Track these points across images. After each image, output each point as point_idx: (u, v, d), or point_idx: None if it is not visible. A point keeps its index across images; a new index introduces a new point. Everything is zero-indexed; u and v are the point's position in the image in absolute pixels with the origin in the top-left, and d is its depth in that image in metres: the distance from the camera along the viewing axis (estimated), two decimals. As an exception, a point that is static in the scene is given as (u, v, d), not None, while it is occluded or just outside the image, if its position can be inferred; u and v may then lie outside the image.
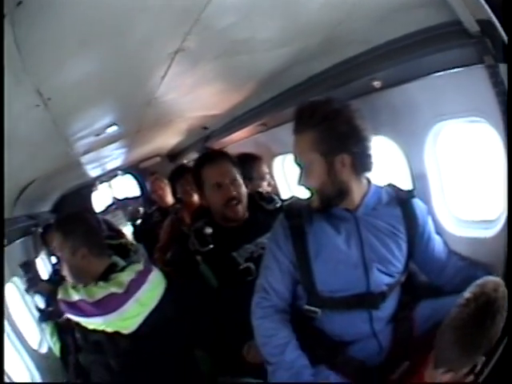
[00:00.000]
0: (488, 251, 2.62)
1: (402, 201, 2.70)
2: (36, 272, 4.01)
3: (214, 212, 3.46)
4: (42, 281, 4.07)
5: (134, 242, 5.16)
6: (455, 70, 2.38)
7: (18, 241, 4.98)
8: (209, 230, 3.39)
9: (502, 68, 2.07)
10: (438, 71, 2.51)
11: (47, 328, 3.86)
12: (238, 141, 5.96)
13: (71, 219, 3.34)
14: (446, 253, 2.79)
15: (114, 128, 4.43)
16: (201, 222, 3.49)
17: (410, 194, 2.77)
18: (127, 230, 7.86)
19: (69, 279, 3.21)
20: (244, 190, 3.45)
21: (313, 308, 2.62)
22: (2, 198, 2.60)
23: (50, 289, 3.84)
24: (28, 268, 4.02)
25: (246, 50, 2.89)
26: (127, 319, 3.01)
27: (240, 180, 3.45)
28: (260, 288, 2.71)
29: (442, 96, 2.65)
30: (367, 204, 2.61)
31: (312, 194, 2.63)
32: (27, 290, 4.01)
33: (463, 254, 2.78)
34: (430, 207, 2.95)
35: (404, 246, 2.65)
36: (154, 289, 3.18)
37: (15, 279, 4.41)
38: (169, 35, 2.37)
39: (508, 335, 1.99)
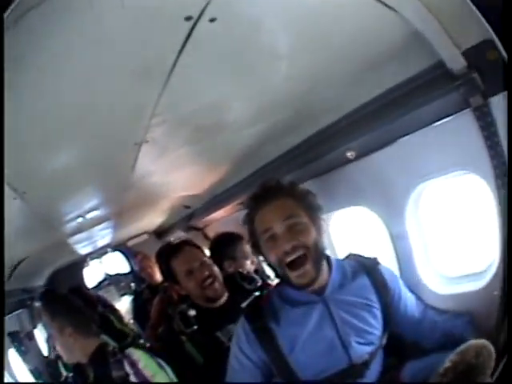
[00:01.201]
0: (478, 302, 2.59)
1: (368, 269, 2.72)
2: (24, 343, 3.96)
3: (195, 297, 3.52)
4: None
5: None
6: (437, 122, 2.39)
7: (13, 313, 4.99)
8: (192, 313, 3.45)
9: (495, 100, 2.01)
10: (418, 129, 2.52)
11: None
12: (220, 219, 6.06)
13: (57, 300, 3.45)
14: (421, 309, 2.80)
15: (96, 212, 4.47)
16: (184, 304, 3.55)
17: (374, 261, 2.79)
18: (120, 306, 7.82)
19: (62, 355, 3.30)
20: (216, 268, 3.55)
21: None
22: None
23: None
24: (16, 338, 3.99)
25: (213, 133, 2.94)
26: None
27: (209, 260, 3.57)
28: None
29: (424, 155, 2.64)
30: (333, 282, 2.62)
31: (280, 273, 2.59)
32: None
33: (453, 310, 2.76)
34: (413, 270, 2.97)
35: (378, 312, 2.65)
36: None
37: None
38: (128, 129, 2.43)
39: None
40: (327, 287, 2.59)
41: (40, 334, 6.39)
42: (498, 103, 2.00)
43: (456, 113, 2.24)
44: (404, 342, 2.83)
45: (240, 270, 4.20)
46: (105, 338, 3.88)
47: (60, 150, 2.46)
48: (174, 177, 4.10)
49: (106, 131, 2.36)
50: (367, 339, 2.57)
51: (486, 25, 1.75)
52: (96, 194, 3.93)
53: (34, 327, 6.25)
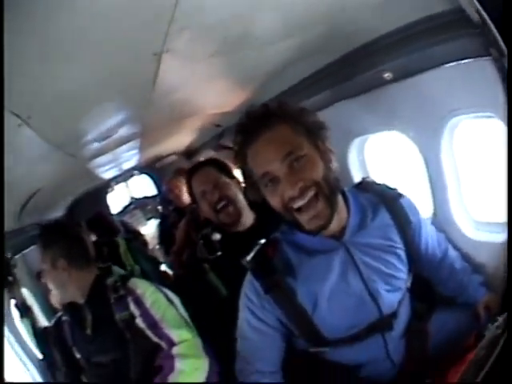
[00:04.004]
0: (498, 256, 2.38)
1: (389, 203, 2.43)
2: (9, 273, 3.78)
3: (213, 221, 3.35)
4: (18, 287, 3.88)
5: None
6: (465, 61, 2.23)
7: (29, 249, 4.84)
8: (217, 236, 3.27)
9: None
10: (448, 62, 2.35)
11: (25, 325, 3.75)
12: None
13: (51, 229, 3.18)
14: (442, 249, 2.62)
15: (117, 133, 4.25)
16: (209, 227, 3.36)
17: (396, 193, 2.50)
18: (146, 230, 7.72)
19: (55, 294, 3.09)
20: (234, 190, 3.33)
21: (320, 349, 2.36)
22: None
23: (22, 298, 3.78)
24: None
25: (241, 46, 2.68)
26: None
27: (227, 181, 3.35)
28: (240, 358, 2.46)
29: (455, 89, 2.49)
30: (353, 223, 2.33)
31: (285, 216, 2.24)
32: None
33: (478, 258, 2.64)
34: (446, 207, 2.86)
35: (402, 253, 2.39)
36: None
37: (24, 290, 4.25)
38: (146, 37, 2.15)
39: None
40: (346, 229, 2.28)
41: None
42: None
43: (481, 56, 2.06)
44: (427, 283, 2.66)
45: None
46: (115, 268, 3.70)
47: (68, 64, 2.14)
48: (202, 93, 3.86)
49: (121, 39, 2.09)
50: (395, 285, 2.33)
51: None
52: (114, 113, 3.67)
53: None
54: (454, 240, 2.79)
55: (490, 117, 2.37)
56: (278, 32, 2.56)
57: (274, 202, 2.19)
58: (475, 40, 1.98)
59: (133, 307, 2.86)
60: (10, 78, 1.84)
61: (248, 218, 3.33)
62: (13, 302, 3.80)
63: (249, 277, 2.40)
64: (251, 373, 2.38)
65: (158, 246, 6.82)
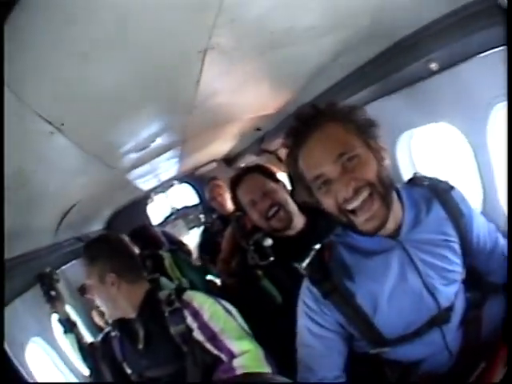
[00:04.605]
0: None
1: (441, 196, 2.37)
2: (52, 287, 3.75)
3: (264, 228, 3.30)
4: (61, 302, 3.81)
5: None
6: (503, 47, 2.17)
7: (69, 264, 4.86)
8: (268, 242, 3.25)
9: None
10: (488, 49, 2.32)
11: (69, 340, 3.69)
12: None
13: (98, 242, 3.13)
14: (493, 239, 2.49)
15: (157, 141, 4.15)
16: (259, 233, 3.32)
17: (447, 185, 2.43)
18: (189, 240, 7.68)
19: (105, 311, 3.04)
20: (283, 195, 3.30)
21: (381, 349, 2.31)
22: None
23: (66, 314, 3.71)
24: (43, 280, 3.78)
25: (287, 41, 2.56)
26: None
27: (274, 186, 3.32)
28: (302, 367, 2.37)
29: (497, 75, 2.30)
30: (408, 220, 2.27)
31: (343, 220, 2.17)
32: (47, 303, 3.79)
33: None
34: (495, 194, 2.86)
35: (457, 246, 2.33)
36: None
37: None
38: (191, 32, 2.04)
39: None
40: (402, 227, 2.23)
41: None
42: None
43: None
44: (479, 273, 2.60)
45: None
46: (163, 280, 3.60)
47: (104, 65, 2.03)
48: (242, 95, 3.75)
49: (162, 35, 1.96)
50: (450, 279, 2.29)
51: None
52: (156, 119, 3.57)
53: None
54: (502, 227, 2.69)
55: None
56: (322, 25, 2.47)
57: (328, 204, 2.14)
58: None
59: (190, 320, 2.80)
60: (41, 82, 1.77)
61: (298, 221, 3.29)
62: (55, 316, 3.78)
63: (306, 283, 2.36)
64: (316, 381, 2.31)
65: (202, 256, 6.80)
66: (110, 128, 3.05)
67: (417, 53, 2.65)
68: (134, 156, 4.23)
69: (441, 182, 2.45)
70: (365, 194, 2.04)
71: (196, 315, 2.79)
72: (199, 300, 2.87)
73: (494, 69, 2.34)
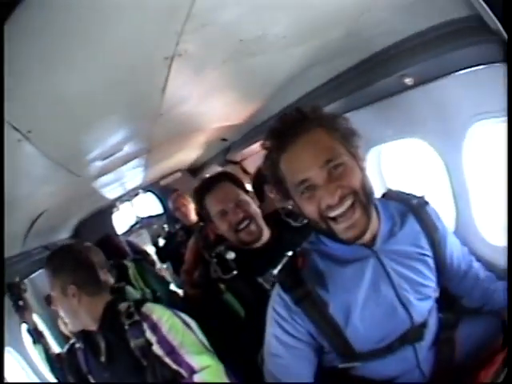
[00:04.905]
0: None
1: (416, 211, 2.37)
2: (20, 297, 3.69)
3: (231, 240, 3.21)
4: (29, 312, 3.75)
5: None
6: (485, 66, 2.17)
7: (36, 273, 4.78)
8: (231, 255, 3.17)
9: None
10: (468, 67, 2.29)
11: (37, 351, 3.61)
12: (259, 151, 5.61)
13: (59, 255, 3.07)
14: (467, 261, 2.52)
15: (123, 150, 4.08)
16: (222, 246, 3.25)
17: (422, 201, 2.43)
18: (152, 250, 7.65)
19: (67, 322, 2.98)
20: (253, 207, 3.24)
21: (350, 364, 2.26)
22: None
23: (34, 324, 3.64)
24: (12, 290, 3.70)
25: (256, 50, 2.50)
26: None
27: (246, 199, 3.23)
28: (271, 377, 2.32)
29: (476, 94, 2.46)
30: (384, 232, 2.24)
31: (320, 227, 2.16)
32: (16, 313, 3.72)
33: (503, 264, 2.48)
34: (469, 213, 2.86)
35: (431, 261, 2.33)
36: None
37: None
38: (158, 39, 1.97)
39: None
40: (377, 237, 2.20)
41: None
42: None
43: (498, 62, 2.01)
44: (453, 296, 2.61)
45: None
46: (129, 289, 3.53)
47: (70, 71, 1.95)
48: (209, 105, 3.69)
49: (128, 41, 1.89)
50: (424, 294, 2.27)
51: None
52: (121, 127, 3.49)
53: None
54: (476, 247, 2.75)
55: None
56: (294, 35, 2.43)
57: (309, 210, 2.11)
58: (493, 46, 1.92)
59: (149, 334, 2.74)
60: (10, 89, 1.68)
61: (265, 234, 3.22)
62: (24, 326, 3.72)
63: (277, 290, 2.29)
64: None
65: (165, 266, 6.73)
66: (76, 135, 2.99)
67: (391, 67, 2.63)
68: (99, 164, 4.14)
69: (416, 197, 2.45)
70: (348, 202, 2.03)
71: (155, 328, 2.74)
72: (158, 313, 2.81)
73: (471, 87, 2.39)
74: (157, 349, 2.70)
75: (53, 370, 3.44)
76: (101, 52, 1.89)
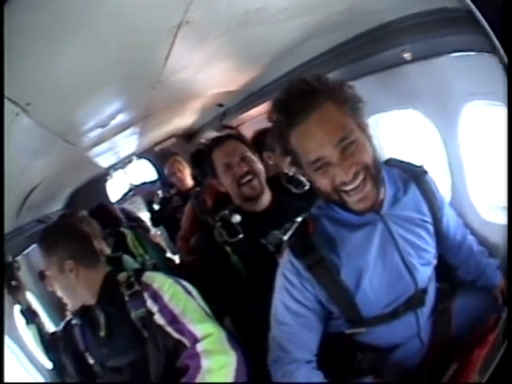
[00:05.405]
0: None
1: (417, 179, 2.40)
2: (12, 277, 3.52)
3: (233, 195, 3.25)
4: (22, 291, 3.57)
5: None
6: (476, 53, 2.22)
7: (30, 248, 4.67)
8: (237, 218, 3.16)
9: None
10: (463, 51, 2.34)
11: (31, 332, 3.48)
12: (256, 117, 5.75)
13: (53, 230, 3.03)
14: (462, 232, 2.60)
15: (120, 117, 4.07)
16: (226, 209, 3.25)
17: (422, 170, 2.46)
18: (147, 217, 7.61)
19: (66, 302, 2.91)
20: (259, 165, 3.24)
21: (357, 330, 2.29)
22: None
23: (27, 303, 3.49)
24: (6, 271, 3.62)
25: (259, 20, 2.52)
26: None
27: (252, 156, 3.23)
28: (276, 345, 2.35)
29: (469, 75, 2.50)
30: (389, 197, 2.26)
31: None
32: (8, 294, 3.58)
33: (494, 240, 2.66)
34: (464, 187, 2.90)
35: (431, 227, 2.38)
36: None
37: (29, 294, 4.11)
38: (167, 6, 1.98)
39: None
40: (384, 202, 2.22)
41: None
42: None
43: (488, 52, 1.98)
44: (449, 266, 2.66)
45: (285, 170, 3.59)
46: (126, 258, 3.54)
47: (71, 42, 1.97)
48: (208, 71, 3.69)
49: (139, 10, 1.90)
50: (426, 259, 2.32)
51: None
52: (119, 96, 3.51)
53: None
54: (470, 221, 2.81)
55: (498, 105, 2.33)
56: (296, 7, 2.44)
57: (323, 183, 2.10)
58: (483, 38, 1.86)
59: (150, 303, 2.68)
60: (8, 62, 1.71)
61: (266, 196, 3.23)
62: (17, 308, 3.56)
63: (287, 256, 2.28)
64: (288, 362, 2.28)
65: (159, 232, 6.71)
66: (75, 106, 2.99)
67: (391, 41, 2.66)
68: (96, 133, 4.15)
69: (416, 165, 2.48)
70: (361, 177, 2.03)
71: (156, 297, 2.68)
72: (159, 281, 2.75)
73: (469, 69, 2.41)
74: (158, 318, 2.65)
75: (47, 351, 3.29)
76: (108, 23, 1.91)
